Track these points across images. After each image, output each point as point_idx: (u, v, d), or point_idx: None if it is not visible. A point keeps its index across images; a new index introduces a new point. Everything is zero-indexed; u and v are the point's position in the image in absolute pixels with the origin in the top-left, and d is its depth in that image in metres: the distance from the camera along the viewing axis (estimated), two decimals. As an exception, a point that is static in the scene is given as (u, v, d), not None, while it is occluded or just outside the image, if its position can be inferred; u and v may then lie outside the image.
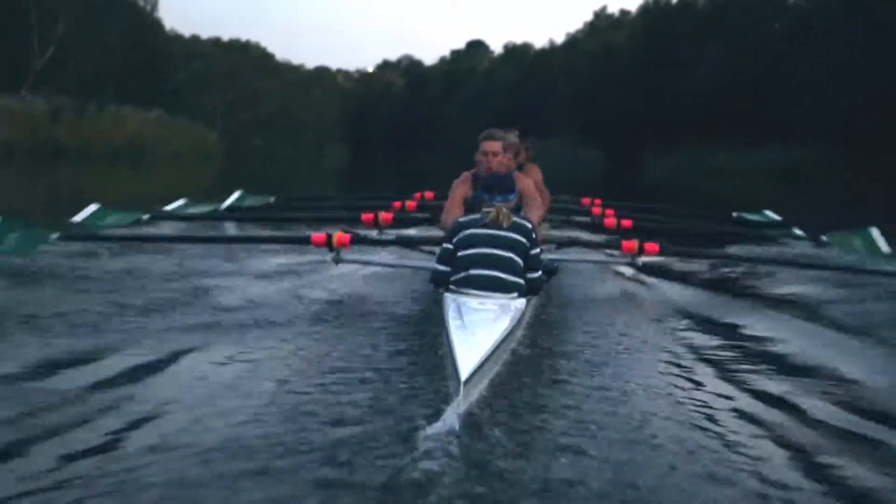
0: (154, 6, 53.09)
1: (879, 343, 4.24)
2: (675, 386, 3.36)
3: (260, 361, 3.48)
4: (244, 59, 63.27)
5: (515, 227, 3.94)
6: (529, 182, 5.10)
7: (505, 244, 3.87)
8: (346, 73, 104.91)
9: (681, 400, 3.14)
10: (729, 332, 4.51)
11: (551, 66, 64.11)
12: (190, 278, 5.31)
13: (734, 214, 9.33)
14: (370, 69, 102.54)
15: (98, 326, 4.01)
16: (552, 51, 69.55)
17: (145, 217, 7.00)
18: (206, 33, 75.42)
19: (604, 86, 53.44)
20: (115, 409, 2.81)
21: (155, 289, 4.92)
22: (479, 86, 74.51)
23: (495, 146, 4.81)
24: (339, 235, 4.84)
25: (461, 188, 5.03)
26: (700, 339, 4.29)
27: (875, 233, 6.52)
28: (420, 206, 7.44)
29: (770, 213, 9.12)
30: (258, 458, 2.34)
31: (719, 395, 3.24)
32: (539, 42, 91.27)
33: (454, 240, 3.95)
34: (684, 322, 4.78)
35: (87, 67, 40.19)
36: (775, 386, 3.43)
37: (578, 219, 7.62)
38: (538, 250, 4.04)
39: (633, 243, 5.21)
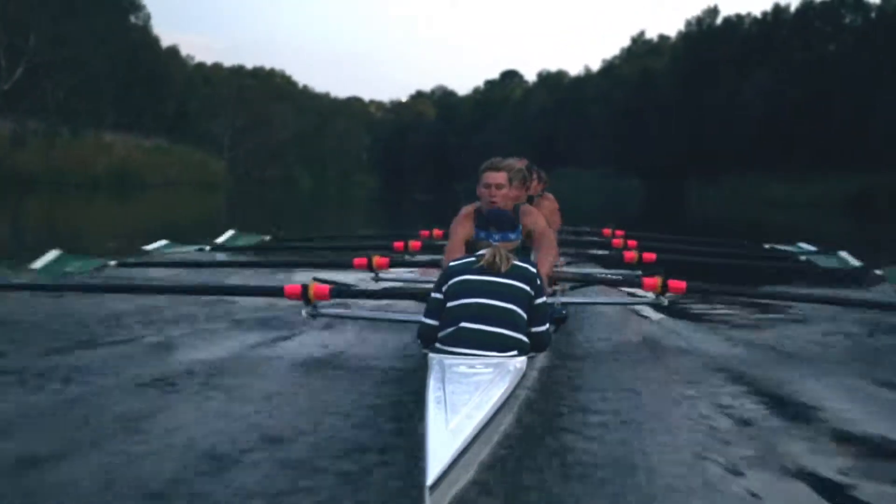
0: (146, 21, 48.53)
1: None
2: (708, 470, 2.68)
3: (204, 433, 2.91)
4: (258, 83, 61.08)
5: (516, 272, 3.33)
6: (540, 218, 4.46)
7: (504, 293, 3.27)
8: (378, 104, 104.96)
9: (715, 487, 2.53)
10: (771, 392, 3.72)
11: (587, 93, 61.83)
12: (152, 327, 4.86)
13: (766, 246, 8.70)
14: (403, 100, 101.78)
15: (51, 378, 3.63)
16: (588, 77, 67.33)
17: (112, 263, 6.30)
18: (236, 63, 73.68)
19: (643, 112, 50.86)
20: (66, 467, 2.55)
21: (102, 341, 4.49)
22: (513, 114, 72.80)
23: (499, 177, 4.12)
24: (315, 287, 4.33)
25: (462, 227, 4.28)
26: (738, 403, 3.50)
27: None
28: (425, 246, 6.57)
29: (805, 245, 8.26)
30: None
31: (762, 482, 2.59)
32: (574, 70, 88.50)
33: (444, 287, 3.36)
34: (719, 380, 3.96)
35: (68, 89, 36.25)
36: (826, 466, 2.73)
37: (596, 251, 7.08)
38: (544, 299, 3.41)
39: (656, 280, 4.62)
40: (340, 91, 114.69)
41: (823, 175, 34.30)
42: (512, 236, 3.49)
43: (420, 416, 2.58)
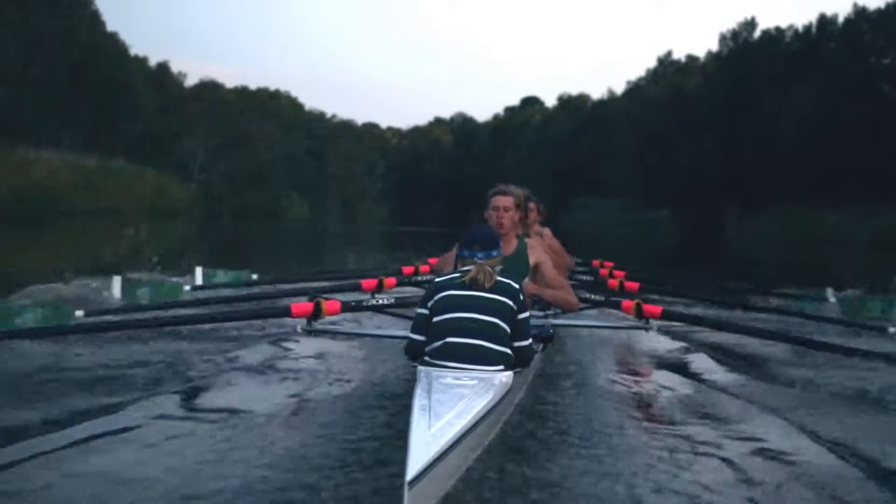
0: (98, 25, 42.52)
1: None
2: (680, 491, 2.73)
3: (205, 442, 3.11)
4: (237, 98, 54.80)
5: (500, 288, 3.45)
6: (543, 254, 4.65)
7: (488, 308, 3.38)
8: (395, 131, 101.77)
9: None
10: (735, 423, 3.67)
11: (610, 117, 57.53)
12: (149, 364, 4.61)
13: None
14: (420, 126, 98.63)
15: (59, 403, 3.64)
16: (611, 101, 63.04)
17: (79, 314, 5.42)
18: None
19: (672, 136, 46.28)
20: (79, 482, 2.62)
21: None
22: (532, 140, 68.79)
23: (507, 201, 4.45)
24: (325, 303, 4.60)
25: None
26: (704, 430, 3.53)
27: None
28: (409, 282, 6.54)
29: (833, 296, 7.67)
30: None
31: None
32: (596, 93, 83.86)
33: (429, 303, 3.48)
34: (697, 405, 4.01)
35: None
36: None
37: (584, 278, 7.24)
38: (527, 314, 3.54)
39: (632, 304, 4.96)
40: (357, 117, 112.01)
41: (884, 206, 29.62)
42: (494, 254, 3.57)
43: (407, 423, 2.67)
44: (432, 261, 7.03)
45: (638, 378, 4.72)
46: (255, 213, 44.56)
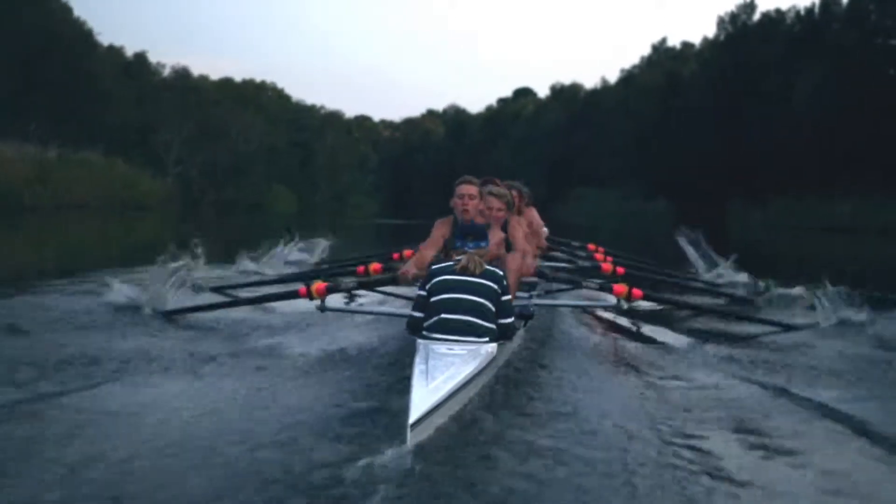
0: (64, 12, 40.28)
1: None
2: (627, 429, 3.39)
3: (243, 395, 3.84)
4: (214, 88, 52.14)
5: (487, 274, 4.09)
6: (519, 231, 5.39)
7: (476, 290, 4.02)
8: (387, 123, 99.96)
9: (631, 442, 3.20)
10: (698, 387, 4.41)
11: (605, 105, 55.84)
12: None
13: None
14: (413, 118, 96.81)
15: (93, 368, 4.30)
16: (605, 90, 61.33)
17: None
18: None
19: (670, 123, 44.60)
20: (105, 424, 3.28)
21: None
22: (524, 131, 66.95)
23: (471, 189, 5.00)
24: (317, 285, 5.31)
25: (439, 230, 5.15)
26: (683, 393, 4.23)
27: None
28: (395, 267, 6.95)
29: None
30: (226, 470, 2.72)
31: (672, 444, 3.23)
32: (590, 83, 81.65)
33: (427, 286, 4.10)
34: (665, 370, 4.82)
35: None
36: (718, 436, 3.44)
37: (582, 263, 8.03)
38: (509, 297, 4.17)
39: (624, 287, 5.39)
40: (350, 110, 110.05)
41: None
42: (483, 244, 4.24)
43: (408, 386, 3.28)
44: (396, 256, 7.59)
45: (608, 346, 5.67)
46: (237, 206, 42.65)
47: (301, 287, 5.39)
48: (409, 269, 4.95)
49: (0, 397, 3.56)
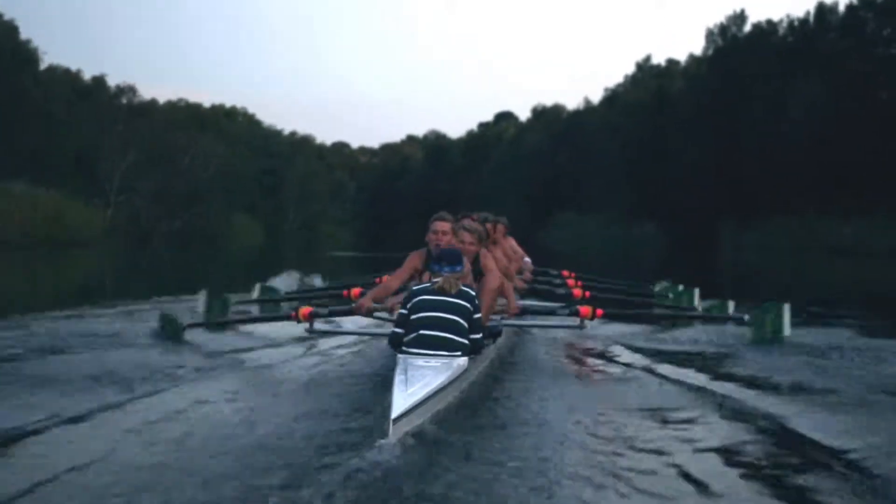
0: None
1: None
2: (580, 427, 3.89)
3: (245, 405, 4.32)
4: (163, 111, 49.06)
5: (461, 294, 4.52)
6: (491, 262, 5.69)
7: (451, 308, 4.45)
8: (365, 149, 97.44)
9: (589, 446, 3.55)
10: (668, 390, 4.95)
11: (588, 127, 53.27)
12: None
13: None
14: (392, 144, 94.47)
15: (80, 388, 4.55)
16: (588, 110, 58.89)
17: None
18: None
19: (657, 143, 41.95)
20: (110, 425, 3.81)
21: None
22: (506, 155, 64.37)
23: (445, 226, 5.43)
24: (303, 310, 5.90)
25: (412, 262, 5.55)
26: (644, 403, 4.52)
27: (786, 309, 6.86)
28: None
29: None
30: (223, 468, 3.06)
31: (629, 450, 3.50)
32: (572, 104, 78.96)
33: (408, 305, 4.53)
34: (609, 380, 5.49)
35: None
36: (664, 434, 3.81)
37: (556, 291, 8.42)
38: (480, 315, 4.62)
39: (588, 309, 5.98)
40: (327, 137, 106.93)
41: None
42: (458, 268, 4.61)
43: (390, 393, 3.68)
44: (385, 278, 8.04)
45: (569, 362, 6.34)
46: (193, 238, 39.24)
47: (291, 312, 6.13)
48: (366, 301, 5.45)
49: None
